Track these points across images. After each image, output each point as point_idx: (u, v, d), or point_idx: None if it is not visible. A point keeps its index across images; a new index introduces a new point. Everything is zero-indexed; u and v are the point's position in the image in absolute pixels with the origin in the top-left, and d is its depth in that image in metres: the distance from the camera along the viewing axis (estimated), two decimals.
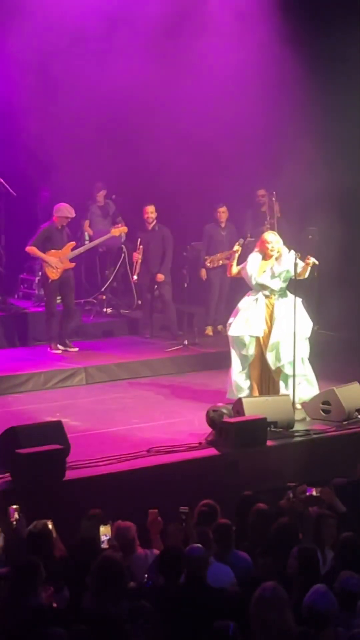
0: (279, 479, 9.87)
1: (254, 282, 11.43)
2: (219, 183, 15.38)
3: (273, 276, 11.38)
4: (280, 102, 15.07)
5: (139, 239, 14.69)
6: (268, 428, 10.38)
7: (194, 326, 15.17)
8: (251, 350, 11.41)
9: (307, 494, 8.55)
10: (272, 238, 11.48)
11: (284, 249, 11.49)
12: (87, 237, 15.12)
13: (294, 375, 11.25)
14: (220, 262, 15.13)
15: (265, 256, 11.48)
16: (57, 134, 14.32)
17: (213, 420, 10.42)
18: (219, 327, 15.20)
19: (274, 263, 11.40)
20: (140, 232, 14.83)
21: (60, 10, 14.14)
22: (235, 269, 11.70)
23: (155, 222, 14.82)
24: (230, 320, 11.59)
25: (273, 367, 11.39)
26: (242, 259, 11.78)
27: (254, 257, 11.52)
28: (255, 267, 11.44)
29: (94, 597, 6.04)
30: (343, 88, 15.05)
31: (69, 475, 9.09)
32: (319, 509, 8.10)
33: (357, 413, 11.24)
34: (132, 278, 14.83)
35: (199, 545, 6.85)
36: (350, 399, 11.23)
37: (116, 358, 13.75)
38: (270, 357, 11.35)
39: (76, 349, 13.83)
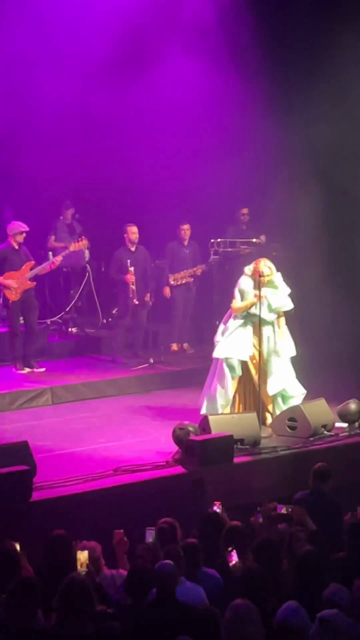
0: (246, 495, 9.89)
1: (244, 312, 11.42)
2: (182, 200, 15.42)
3: (270, 309, 11.39)
4: (251, 116, 15.11)
5: (129, 260, 14.50)
6: (235, 445, 10.39)
7: (159, 344, 15.19)
8: (238, 371, 11.44)
9: (278, 511, 8.54)
10: (267, 271, 11.38)
11: (278, 281, 11.47)
12: (50, 256, 15.09)
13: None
14: (184, 279, 15.17)
15: (256, 284, 11.41)
16: (21, 153, 14.31)
17: (179, 438, 10.41)
18: (185, 344, 15.25)
19: (265, 293, 11.38)
20: (124, 252, 14.66)
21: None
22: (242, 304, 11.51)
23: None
24: (218, 338, 11.55)
25: (271, 393, 11.47)
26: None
27: (247, 284, 11.45)
28: (251, 296, 11.41)
29: (59, 618, 6.00)
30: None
31: (36, 496, 9.06)
32: (288, 526, 8.11)
33: (323, 429, 11.27)
34: (134, 302, 14.56)
35: (169, 561, 6.83)
36: (316, 415, 11.27)
37: (82, 377, 13.71)
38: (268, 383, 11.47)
39: (43, 369, 13.78)
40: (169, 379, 13.90)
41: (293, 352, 11.65)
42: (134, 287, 14.45)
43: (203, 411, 11.43)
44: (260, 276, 11.33)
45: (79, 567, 7.02)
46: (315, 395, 11.74)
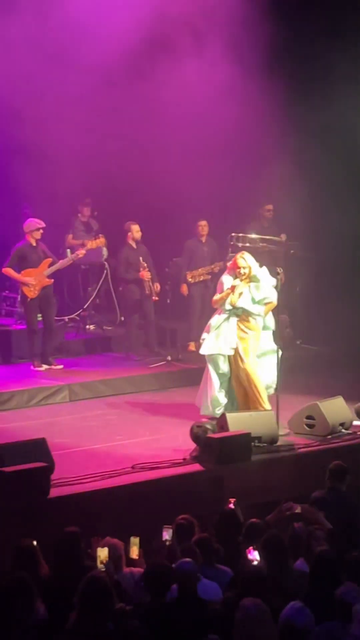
0: (263, 494, 9.88)
1: (229, 307, 11.36)
2: (200, 198, 15.42)
3: (254, 301, 11.37)
4: (266, 116, 15.10)
5: (141, 258, 14.56)
6: (252, 443, 10.38)
7: (176, 342, 15.18)
8: (225, 368, 11.37)
9: (294, 510, 8.53)
10: (244, 263, 11.38)
11: (261, 274, 11.44)
12: (68, 254, 15.12)
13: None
14: (202, 277, 15.17)
15: (235, 278, 11.40)
16: (39, 152, 14.34)
17: (197, 435, 10.41)
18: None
19: (248, 286, 11.36)
20: (129, 250, 14.69)
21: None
22: (218, 296, 11.50)
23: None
24: (204, 336, 11.54)
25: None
26: None
27: (228, 280, 11.45)
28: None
29: (79, 617, 5.99)
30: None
31: (54, 492, 9.06)
32: (305, 524, 8.10)
33: (340, 427, 11.26)
34: (154, 298, 14.62)
35: (189, 559, 6.82)
36: (334, 413, 11.25)
37: (100, 375, 13.73)
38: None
39: (61, 366, 13.80)
40: (186, 376, 13.88)
41: (271, 346, 11.56)
42: (150, 283, 14.48)
43: (203, 411, 11.41)
44: (237, 268, 11.34)
45: (98, 564, 7.02)
46: (333, 393, 11.73)
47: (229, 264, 11.79)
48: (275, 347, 11.51)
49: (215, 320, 11.46)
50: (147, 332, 14.94)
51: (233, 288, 11.32)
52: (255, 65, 14.66)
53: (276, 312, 11.84)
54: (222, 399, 11.41)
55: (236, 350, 11.33)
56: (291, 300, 15.03)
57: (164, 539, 7.96)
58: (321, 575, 6.65)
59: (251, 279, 11.36)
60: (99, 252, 15.60)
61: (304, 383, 13.23)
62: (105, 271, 15.76)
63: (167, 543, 7.86)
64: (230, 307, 11.33)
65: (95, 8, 14.20)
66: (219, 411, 11.28)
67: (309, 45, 15.31)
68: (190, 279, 15.17)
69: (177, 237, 15.54)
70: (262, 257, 14.41)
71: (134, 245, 14.71)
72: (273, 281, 11.45)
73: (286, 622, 6.04)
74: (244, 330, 11.38)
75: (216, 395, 11.38)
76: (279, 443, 10.77)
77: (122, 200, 15.53)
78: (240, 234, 14.59)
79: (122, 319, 15.59)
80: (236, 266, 11.40)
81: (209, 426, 10.51)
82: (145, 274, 14.50)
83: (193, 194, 15.38)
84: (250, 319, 11.40)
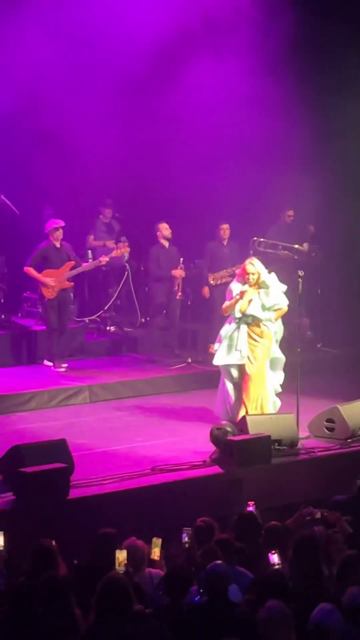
0: (282, 497, 9.87)
1: (238, 314, 11.29)
2: (221, 200, 15.43)
3: (264, 308, 11.32)
4: (293, 121, 15.09)
5: (181, 259, 14.56)
6: (272, 446, 10.37)
7: (197, 344, 15.18)
8: (237, 377, 11.31)
9: (314, 516, 8.50)
10: (253, 269, 11.30)
11: (271, 279, 11.38)
12: (90, 255, 15.14)
13: (298, 391, 11.26)
14: (224, 279, 15.14)
15: (244, 285, 11.32)
16: (60, 152, 14.39)
17: (217, 438, 10.41)
18: None
19: (257, 292, 11.28)
20: (160, 249, 14.68)
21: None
22: (228, 303, 11.43)
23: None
24: (215, 346, 11.47)
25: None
26: None
27: (237, 287, 11.37)
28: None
29: (96, 618, 5.99)
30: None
31: (73, 494, 9.08)
32: (325, 528, 8.07)
33: None
34: (179, 295, 14.68)
35: (220, 562, 6.81)
36: (354, 417, 11.22)
37: (120, 376, 13.75)
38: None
39: (65, 365, 13.78)
40: (206, 379, 13.84)
41: (277, 353, 11.51)
42: (181, 282, 14.51)
43: (225, 417, 11.34)
44: (246, 274, 11.27)
45: (117, 566, 7.03)
46: (353, 396, 11.69)
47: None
48: (281, 355, 11.47)
49: (226, 330, 11.37)
50: (170, 334, 14.95)
51: (242, 294, 11.24)
52: (279, 70, 14.68)
53: (292, 316, 11.80)
54: (240, 406, 11.34)
55: (247, 357, 11.31)
56: (312, 303, 15.03)
57: (183, 540, 7.95)
58: (347, 580, 6.63)
59: (260, 285, 11.28)
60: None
61: (325, 386, 13.21)
62: (126, 273, 15.77)
63: (187, 545, 7.86)
64: (240, 315, 11.27)
65: (121, 9, 14.25)
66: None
67: (336, 49, 15.27)
68: (212, 281, 15.14)
69: (198, 240, 15.53)
70: (283, 261, 14.49)
71: (166, 245, 14.72)
72: (283, 287, 11.42)
73: (317, 624, 6.01)
74: (255, 339, 11.32)
75: (234, 403, 11.34)
76: (298, 446, 10.74)
77: (145, 201, 15.56)
78: (262, 239, 14.59)
79: (143, 320, 15.59)
80: (245, 272, 11.31)
81: (228, 428, 10.51)
82: (180, 272, 14.49)
83: (215, 196, 15.41)
84: (261, 325, 11.33)
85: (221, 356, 11.34)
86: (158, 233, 14.68)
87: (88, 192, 15.32)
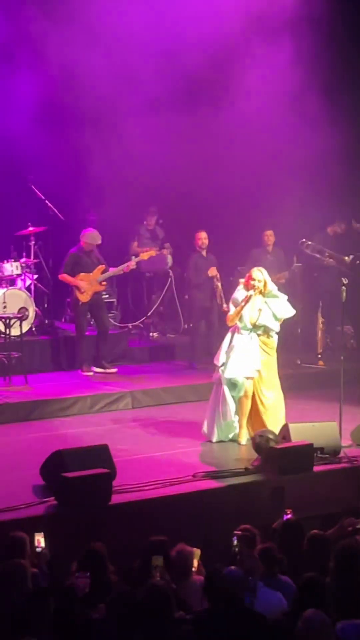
0: (324, 505, 9.82)
1: (249, 326, 11.14)
2: (266, 207, 15.41)
3: (275, 318, 11.23)
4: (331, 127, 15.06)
5: (218, 276, 14.52)
6: (315, 454, 10.33)
7: None
8: (242, 392, 11.14)
9: (355, 526, 8.45)
10: (260, 276, 11.15)
11: (275, 290, 11.27)
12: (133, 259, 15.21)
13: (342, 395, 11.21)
14: None
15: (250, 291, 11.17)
16: (105, 158, 14.45)
17: (259, 445, 10.40)
18: None
19: (265, 302, 11.13)
20: (198, 257, 14.72)
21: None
22: (234, 312, 11.17)
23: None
24: (222, 359, 11.15)
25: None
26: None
27: (240, 293, 11.17)
28: (248, 307, 11.12)
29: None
30: None
31: (115, 499, 9.09)
32: None
33: None
34: (224, 307, 14.66)
35: (235, 567, 6.80)
36: None
37: (162, 382, 13.77)
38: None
39: (114, 370, 13.87)
40: None
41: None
42: (222, 293, 14.51)
43: (214, 439, 11.21)
44: (251, 280, 11.13)
45: (153, 572, 7.04)
46: None
47: (285, 278, 11.62)
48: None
49: (238, 340, 11.14)
50: (209, 341, 14.93)
51: (247, 299, 11.05)
52: (323, 79, 14.66)
53: (336, 324, 11.73)
54: (237, 423, 11.23)
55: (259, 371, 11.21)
56: (356, 311, 14.95)
57: (233, 544, 7.91)
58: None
59: (266, 294, 11.18)
60: (163, 260, 15.66)
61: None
62: (169, 279, 15.80)
63: (236, 549, 7.83)
64: (250, 327, 11.14)
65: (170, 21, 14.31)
66: (231, 436, 11.23)
67: None
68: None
69: (243, 247, 15.53)
70: (326, 268, 14.44)
71: (203, 253, 14.73)
72: (286, 296, 11.36)
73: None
74: (266, 351, 11.24)
75: (232, 419, 11.19)
76: (340, 455, 10.70)
77: (190, 209, 15.58)
78: (311, 242, 14.57)
79: (186, 326, 15.60)
80: (251, 278, 11.14)
81: (271, 436, 10.49)
82: (213, 271, 14.46)
83: (260, 203, 15.40)
84: (270, 335, 11.26)
85: (235, 368, 11.07)
86: (196, 242, 14.72)
87: (132, 198, 15.36)
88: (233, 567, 6.78)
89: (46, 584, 6.93)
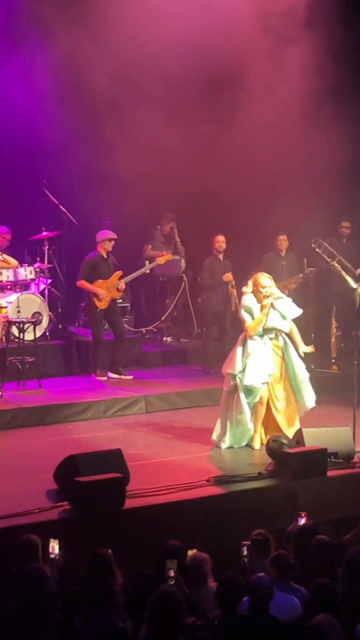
0: (338, 510, 9.81)
1: (260, 329, 11.10)
2: (279, 211, 15.39)
3: (284, 318, 11.22)
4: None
5: (232, 282, 14.50)
6: (328, 459, 10.32)
7: None
8: (257, 398, 11.10)
9: None
10: (269, 282, 11.12)
11: (277, 290, 11.26)
12: (146, 264, 15.20)
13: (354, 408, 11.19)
14: None
15: (258, 299, 11.13)
16: (119, 164, 14.46)
17: (273, 450, 10.39)
18: None
19: (275, 304, 11.13)
20: (214, 261, 14.73)
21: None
22: (256, 321, 11.11)
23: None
24: (239, 366, 11.06)
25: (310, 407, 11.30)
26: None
27: (251, 301, 11.14)
28: (259, 311, 11.11)
29: (149, 631, 5.98)
30: None
31: (129, 504, 9.09)
32: None
33: None
34: (240, 314, 14.64)
35: (264, 574, 6.79)
36: None
37: (176, 387, 13.76)
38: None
39: (130, 377, 13.88)
40: None
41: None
42: (236, 300, 14.49)
43: (224, 446, 11.18)
44: (260, 287, 11.09)
45: (166, 576, 7.04)
46: None
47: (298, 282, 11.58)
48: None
49: (252, 347, 11.09)
50: (222, 345, 14.92)
51: (267, 308, 11.02)
52: (339, 85, 14.65)
53: (350, 329, 11.70)
54: (252, 429, 11.18)
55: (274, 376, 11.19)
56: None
57: (242, 555, 7.92)
58: None
59: (274, 297, 11.20)
60: (177, 264, 15.66)
61: None
62: (183, 283, 15.80)
63: (245, 560, 7.83)
64: (261, 332, 11.10)
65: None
66: (244, 443, 11.21)
67: None
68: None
69: (257, 251, 15.52)
70: (335, 274, 14.40)
71: (220, 257, 14.73)
72: (289, 299, 11.36)
73: None
74: (277, 354, 11.23)
75: (247, 426, 11.13)
76: (354, 459, 10.68)
77: (204, 213, 15.57)
78: (324, 242, 14.54)
79: (200, 331, 15.60)
80: (259, 285, 11.10)
81: (284, 441, 10.48)
82: (229, 276, 14.48)
83: (274, 208, 15.37)
84: (279, 337, 11.25)
85: (253, 374, 11.01)
86: (214, 245, 14.72)
87: (147, 202, 15.37)
88: (262, 574, 6.76)
89: (55, 589, 6.93)
